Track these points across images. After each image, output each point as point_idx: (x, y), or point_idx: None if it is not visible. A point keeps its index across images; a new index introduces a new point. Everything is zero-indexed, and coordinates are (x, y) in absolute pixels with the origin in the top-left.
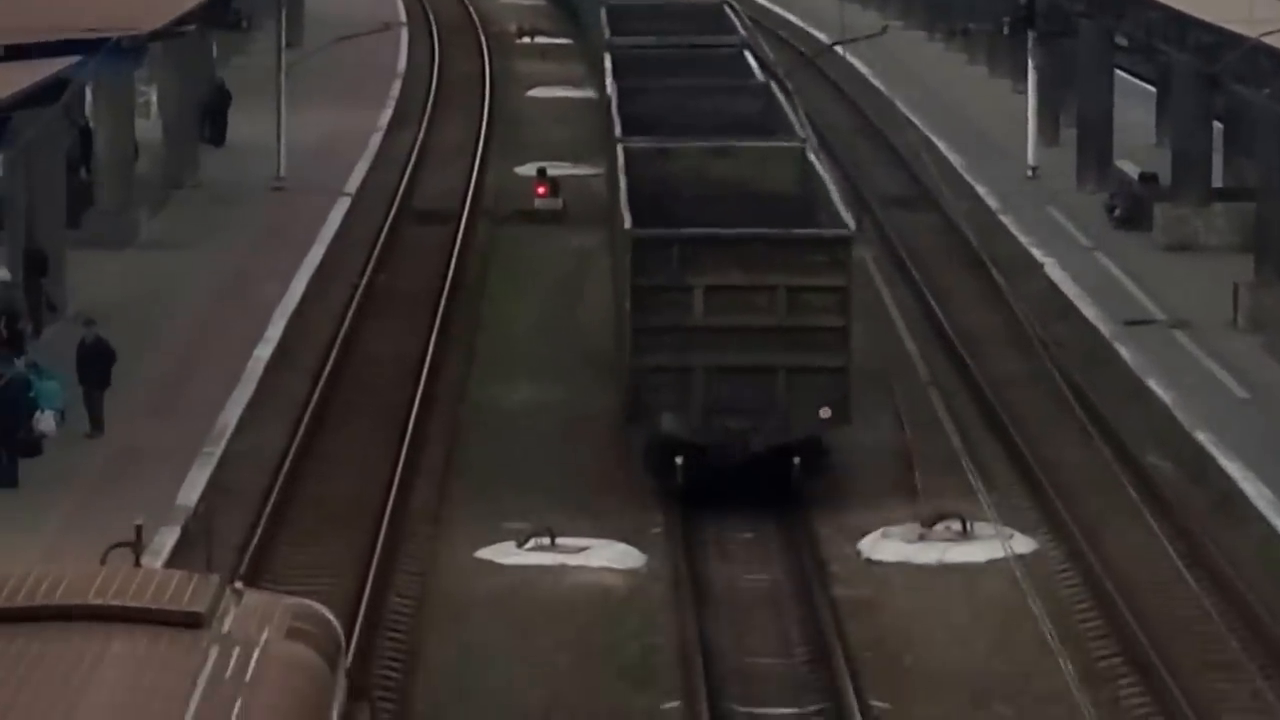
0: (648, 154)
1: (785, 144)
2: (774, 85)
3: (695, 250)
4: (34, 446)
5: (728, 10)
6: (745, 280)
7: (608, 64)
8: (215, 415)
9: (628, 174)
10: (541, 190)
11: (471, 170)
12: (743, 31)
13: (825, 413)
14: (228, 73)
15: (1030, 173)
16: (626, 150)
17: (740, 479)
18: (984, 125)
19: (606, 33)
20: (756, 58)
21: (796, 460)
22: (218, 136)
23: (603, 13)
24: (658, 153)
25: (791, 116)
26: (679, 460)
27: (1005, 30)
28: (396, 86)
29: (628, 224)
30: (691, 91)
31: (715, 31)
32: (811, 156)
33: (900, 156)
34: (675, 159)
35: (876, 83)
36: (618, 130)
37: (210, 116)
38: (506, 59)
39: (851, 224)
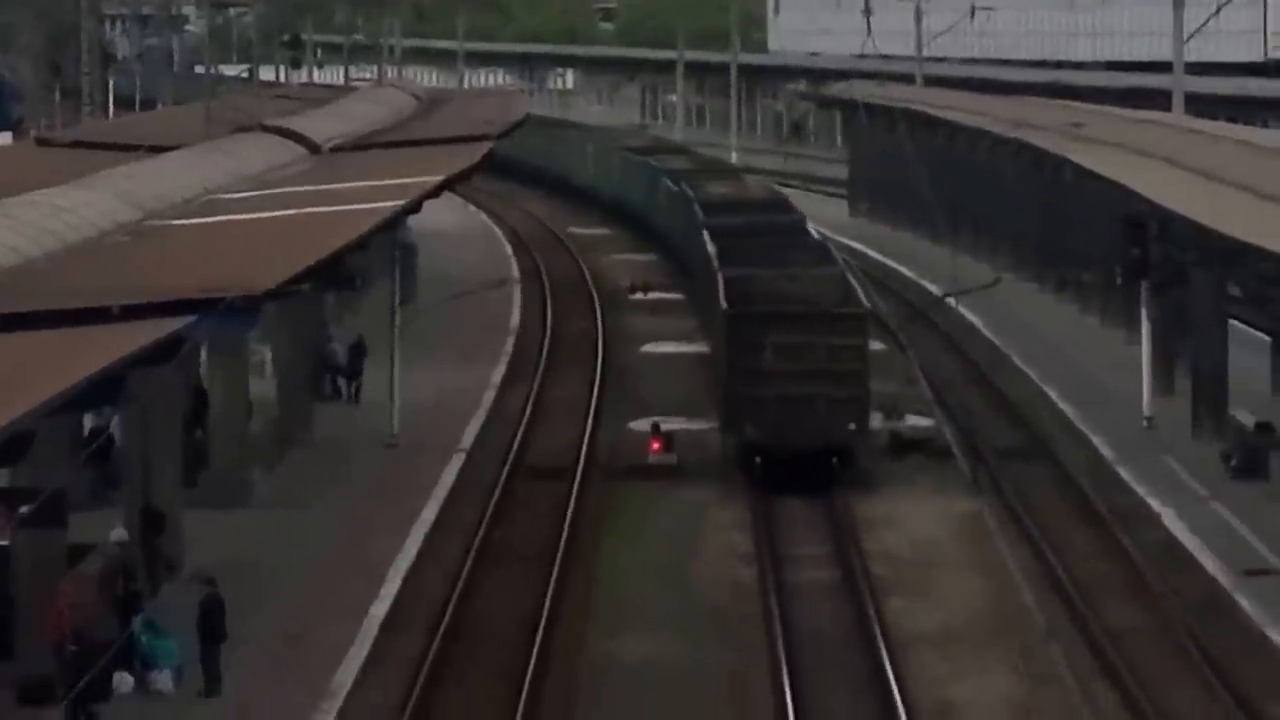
0: (738, 279)
1: (830, 270)
2: (826, 243)
3: (766, 320)
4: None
5: (788, 201)
6: (799, 340)
7: (706, 236)
8: (331, 674)
9: (725, 292)
10: (655, 445)
11: (585, 426)
12: (800, 212)
13: (852, 426)
14: (338, 332)
15: (1145, 423)
16: (725, 276)
17: (799, 472)
18: (1098, 375)
19: (700, 215)
20: (812, 227)
21: (835, 459)
22: (354, 393)
23: (697, 207)
24: (744, 278)
25: (836, 256)
26: (758, 460)
27: (1118, 281)
28: (510, 343)
29: (724, 305)
30: (766, 245)
31: (783, 213)
32: (848, 276)
33: (1014, 408)
34: (756, 282)
35: (989, 334)
36: (716, 264)
37: (347, 373)
38: (619, 314)
39: (867, 305)
